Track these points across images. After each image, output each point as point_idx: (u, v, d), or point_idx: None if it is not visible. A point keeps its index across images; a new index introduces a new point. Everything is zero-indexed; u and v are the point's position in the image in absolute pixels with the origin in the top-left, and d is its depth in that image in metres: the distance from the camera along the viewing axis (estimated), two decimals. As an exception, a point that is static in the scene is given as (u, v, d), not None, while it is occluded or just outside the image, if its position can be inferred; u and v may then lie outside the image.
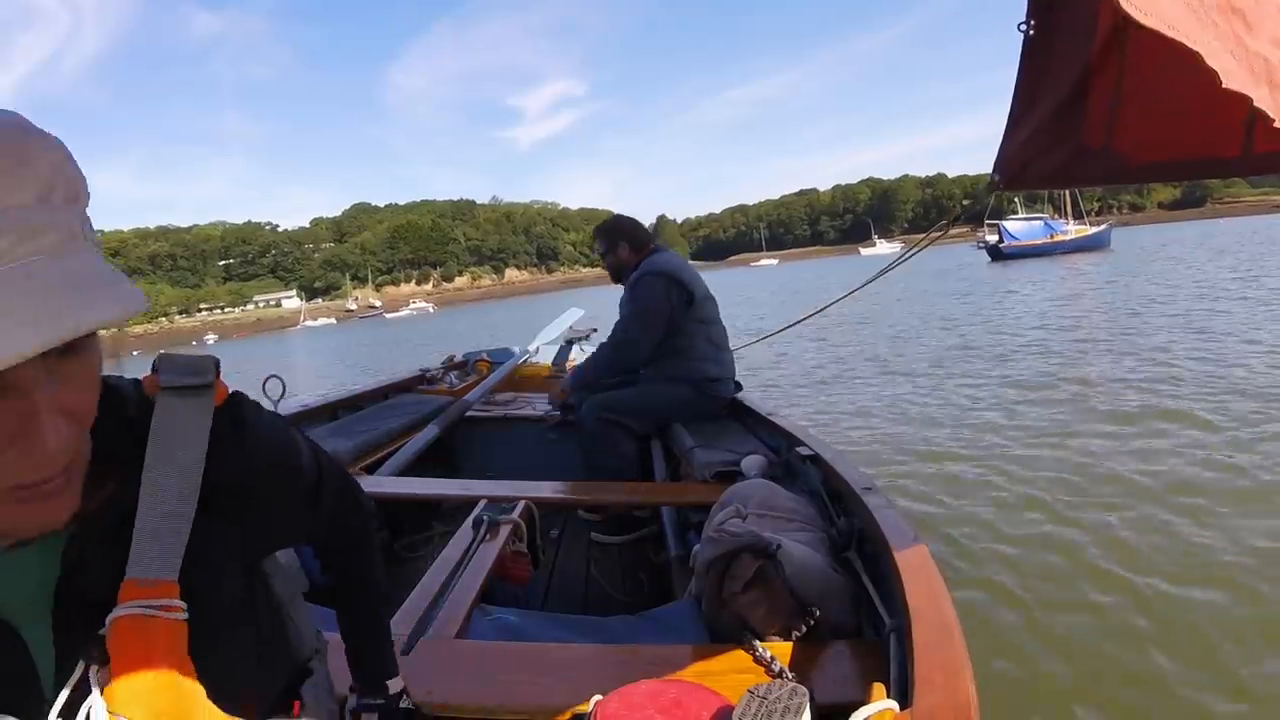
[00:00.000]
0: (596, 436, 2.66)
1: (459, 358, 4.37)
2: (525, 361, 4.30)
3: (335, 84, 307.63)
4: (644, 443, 2.77)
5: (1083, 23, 1.70)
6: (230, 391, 0.63)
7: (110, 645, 0.49)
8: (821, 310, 3.25)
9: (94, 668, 0.49)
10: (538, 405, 3.48)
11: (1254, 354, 6.28)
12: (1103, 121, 1.76)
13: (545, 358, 4.50)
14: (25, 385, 0.44)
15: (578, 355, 4.56)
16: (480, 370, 4.05)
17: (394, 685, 0.90)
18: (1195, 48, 0.73)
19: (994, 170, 2.06)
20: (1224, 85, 0.74)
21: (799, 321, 3.57)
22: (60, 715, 0.49)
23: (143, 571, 0.51)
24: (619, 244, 2.85)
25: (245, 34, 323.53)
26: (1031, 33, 1.79)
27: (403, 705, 0.90)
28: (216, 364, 0.61)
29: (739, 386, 2.82)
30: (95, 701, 0.48)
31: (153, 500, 0.52)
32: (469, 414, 3.18)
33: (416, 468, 2.54)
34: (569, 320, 5.60)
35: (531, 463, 3.05)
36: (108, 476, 0.53)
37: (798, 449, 2.03)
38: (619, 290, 2.87)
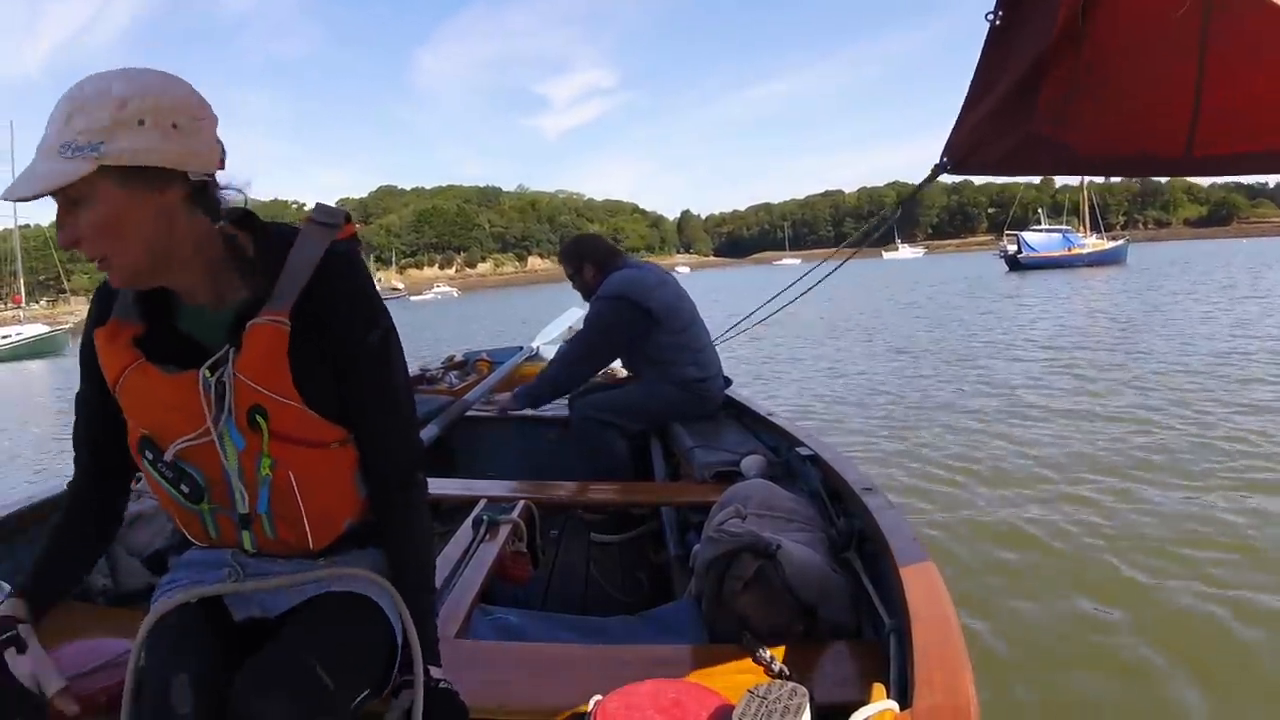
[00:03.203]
0: (587, 436, 2.66)
1: (459, 357, 4.37)
2: (525, 361, 4.29)
3: (365, 64, 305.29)
4: (642, 442, 2.76)
5: (1043, 14, 1.68)
6: (348, 241, 0.97)
7: (245, 338, 0.89)
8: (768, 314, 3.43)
9: (232, 350, 0.89)
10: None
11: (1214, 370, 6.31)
12: (1054, 111, 1.76)
13: (545, 357, 4.49)
14: (62, 213, 0.82)
15: None
16: (480, 370, 4.04)
17: (435, 673, 0.97)
18: None
19: (944, 153, 2.11)
20: None
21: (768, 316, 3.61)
22: (208, 370, 0.89)
23: (272, 307, 0.89)
24: (583, 266, 2.82)
25: (276, 10, 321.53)
26: (998, 23, 1.80)
27: (442, 686, 0.96)
28: (348, 215, 0.99)
29: (729, 382, 2.82)
30: (229, 367, 0.89)
31: (285, 277, 0.91)
32: (469, 414, 3.17)
33: None
34: (569, 320, 5.59)
35: (531, 463, 3.05)
36: (264, 277, 0.92)
37: (797, 449, 2.03)
38: None
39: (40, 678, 0.87)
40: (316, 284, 0.91)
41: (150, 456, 0.94)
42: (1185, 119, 1.45)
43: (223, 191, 0.92)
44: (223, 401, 0.88)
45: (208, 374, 0.89)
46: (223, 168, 0.90)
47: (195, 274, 0.91)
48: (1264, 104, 1.32)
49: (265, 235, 0.95)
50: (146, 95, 0.80)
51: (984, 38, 1.86)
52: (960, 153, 2.09)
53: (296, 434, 0.91)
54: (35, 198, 0.80)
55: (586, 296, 2.86)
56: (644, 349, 2.68)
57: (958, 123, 2.07)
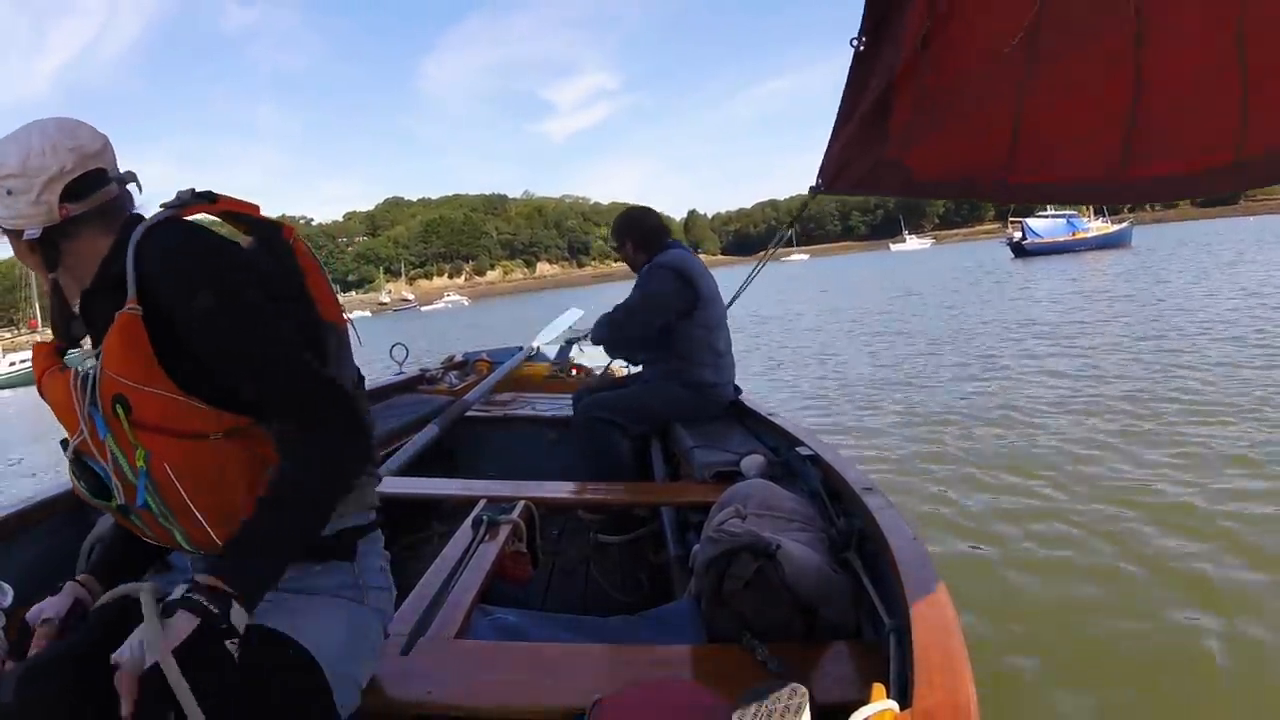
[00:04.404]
0: (591, 435, 2.66)
1: (459, 357, 4.37)
2: (525, 361, 4.30)
3: (369, 76, 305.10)
4: (643, 443, 2.76)
5: (893, 43, 1.83)
6: (196, 215, 0.99)
7: (111, 327, 0.91)
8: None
9: (102, 346, 0.92)
10: (538, 405, 3.47)
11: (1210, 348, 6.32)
12: (900, 137, 1.93)
13: (547, 356, 4.50)
14: None
15: (577, 355, 4.57)
16: (480, 370, 4.04)
17: (242, 621, 0.83)
18: None
19: (818, 174, 2.34)
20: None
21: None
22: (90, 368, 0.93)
23: (128, 294, 0.91)
24: (625, 241, 2.87)
25: (279, 25, 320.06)
26: (861, 48, 1.95)
27: (233, 648, 0.81)
28: (195, 193, 1.00)
29: (738, 391, 2.81)
30: (99, 360, 0.91)
31: (129, 264, 0.91)
32: (469, 414, 3.18)
33: (416, 467, 2.54)
34: (569, 320, 5.60)
35: (531, 463, 3.05)
36: (116, 262, 0.94)
37: (797, 449, 2.03)
38: None
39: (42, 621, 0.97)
40: (138, 264, 0.92)
41: (66, 455, 0.99)
42: (1005, 149, 1.60)
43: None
44: (89, 393, 0.92)
45: (80, 368, 0.94)
46: (106, 196, 0.97)
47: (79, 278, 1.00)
48: (1076, 140, 1.47)
49: (125, 227, 0.98)
50: None
51: (849, 62, 2.00)
52: (829, 174, 2.28)
53: (165, 423, 0.91)
54: None
55: (633, 268, 2.87)
56: (672, 335, 2.68)
57: (828, 145, 2.25)
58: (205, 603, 0.81)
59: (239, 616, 0.82)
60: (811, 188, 2.48)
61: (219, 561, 0.88)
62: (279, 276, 1.01)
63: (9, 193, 0.93)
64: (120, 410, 0.89)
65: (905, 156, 1.97)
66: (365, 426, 1.00)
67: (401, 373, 4.06)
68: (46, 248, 0.96)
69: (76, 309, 1.02)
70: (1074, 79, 1.41)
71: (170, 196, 1.01)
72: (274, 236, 1.05)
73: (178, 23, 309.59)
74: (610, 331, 2.86)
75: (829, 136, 2.24)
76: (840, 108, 2.13)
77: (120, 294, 0.92)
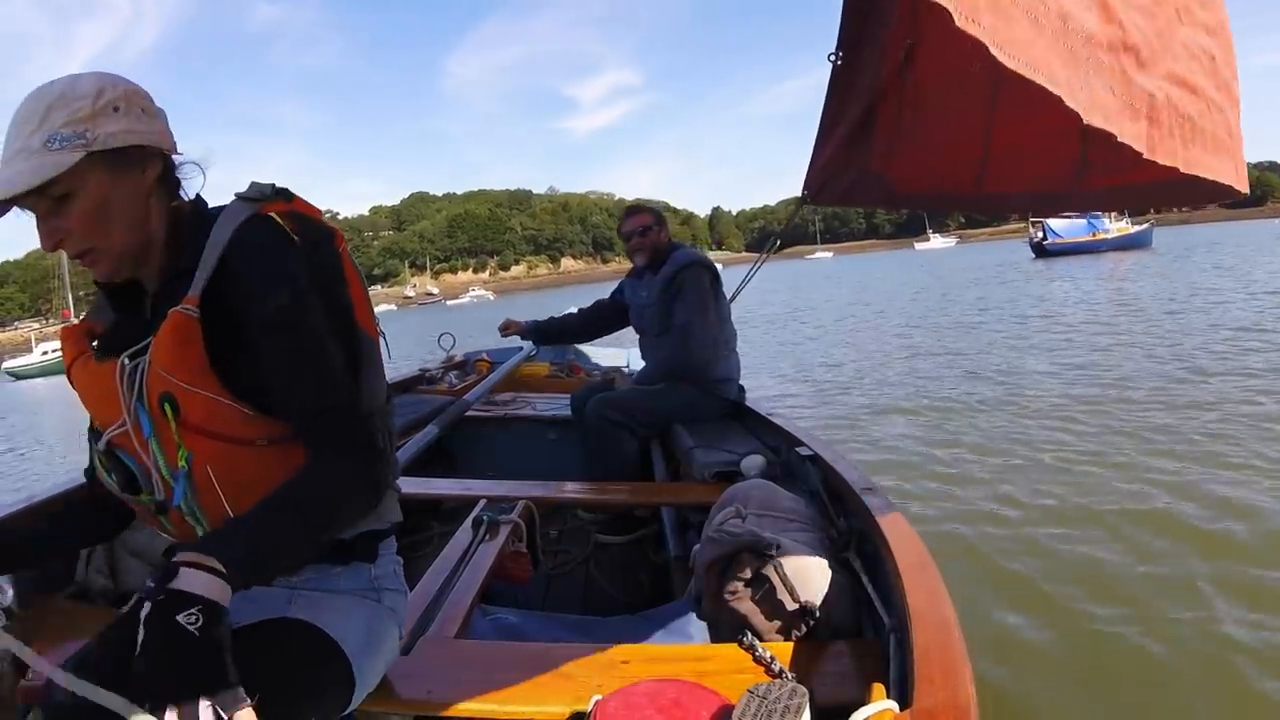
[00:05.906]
0: (599, 435, 2.66)
1: (459, 357, 4.37)
2: (525, 361, 4.29)
3: (393, 73, 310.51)
4: (644, 443, 2.77)
5: (874, 60, 1.88)
6: (273, 213, 0.93)
7: (161, 324, 0.88)
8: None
9: (153, 338, 0.89)
10: (538, 405, 3.47)
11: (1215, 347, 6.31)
12: (883, 150, 2.00)
13: (545, 357, 4.50)
14: (45, 213, 0.87)
15: (576, 356, 4.56)
16: (480, 370, 4.04)
17: (198, 583, 0.70)
18: (1057, 91, 0.76)
19: (804, 186, 2.46)
20: (1085, 122, 0.79)
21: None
22: (128, 357, 0.89)
23: (192, 290, 0.88)
24: (664, 229, 2.89)
25: (303, 23, 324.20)
26: (839, 63, 2.01)
27: (188, 622, 0.67)
28: (276, 189, 0.97)
29: (742, 390, 2.81)
30: (148, 355, 0.88)
31: (205, 257, 0.90)
32: (469, 414, 3.17)
33: (416, 467, 2.54)
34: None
35: (531, 463, 3.05)
36: (189, 255, 0.92)
37: (797, 449, 2.03)
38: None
39: None
40: (224, 263, 0.89)
41: (95, 445, 0.97)
42: (976, 162, 1.69)
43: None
44: (136, 388, 0.89)
45: (127, 361, 0.90)
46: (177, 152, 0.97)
47: (158, 256, 0.95)
48: (1038, 157, 1.56)
49: (198, 214, 0.96)
50: (115, 85, 0.88)
51: (828, 77, 2.06)
52: (814, 186, 2.39)
53: (210, 426, 0.89)
54: (27, 193, 0.83)
55: (650, 256, 2.84)
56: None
57: (812, 158, 2.33)
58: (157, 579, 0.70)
59: (194, 580, 0.69)
60: (799, 200, 2.55)
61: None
62: (335, 287, 0.97)
63: (143, 110, 0.90)
64: (168, 409, 0.87)
65: (887, 169, 2.02)
66: (386, 459, 0.95)
67: (438, 364, 4.08)
68: (174, 175, 0.94)
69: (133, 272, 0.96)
70: (1031, 94, 1.54)
71: (203, 189, 0.99)
72: (327, 242, 1.01)
73: (201, 21, 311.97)
74: (687, 364, 2.69)
75: (812, 148, 2.30)
76: (822, 121, 2.19)
77: (183, 286, 0.89)
